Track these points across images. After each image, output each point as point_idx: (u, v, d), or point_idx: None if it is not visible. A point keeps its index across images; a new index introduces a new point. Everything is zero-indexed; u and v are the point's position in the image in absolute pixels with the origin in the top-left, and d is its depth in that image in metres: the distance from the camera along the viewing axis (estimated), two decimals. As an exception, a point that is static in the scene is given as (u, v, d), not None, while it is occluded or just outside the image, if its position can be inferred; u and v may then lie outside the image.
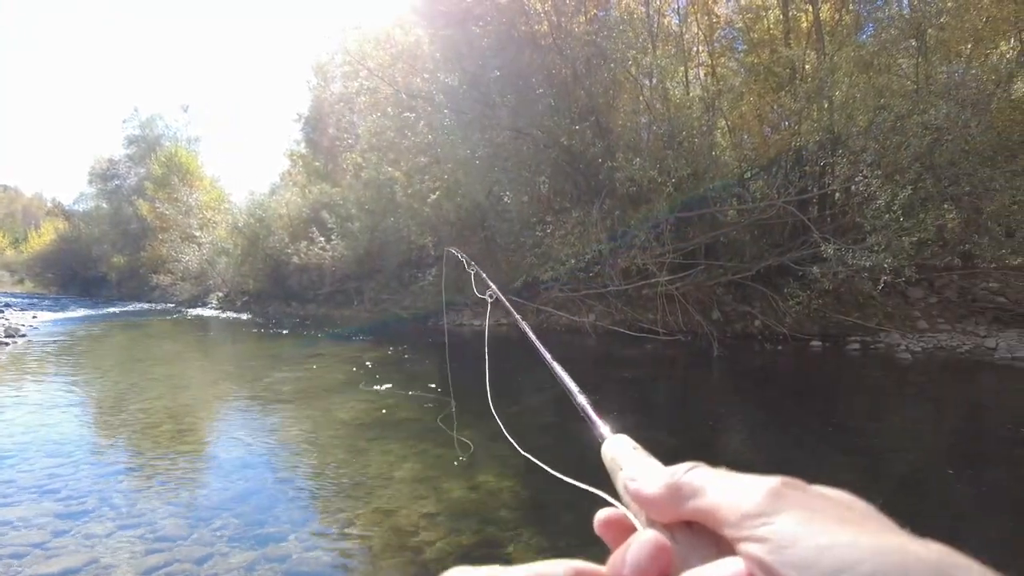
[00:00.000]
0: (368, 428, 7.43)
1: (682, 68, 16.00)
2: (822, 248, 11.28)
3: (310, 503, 5.08)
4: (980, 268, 13.16)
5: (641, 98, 15.45)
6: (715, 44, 17.45)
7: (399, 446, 6.63)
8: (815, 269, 11.53)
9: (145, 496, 5.09)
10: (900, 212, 9.84)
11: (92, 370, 12.39)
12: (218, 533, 4.38)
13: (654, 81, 14.78)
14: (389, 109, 18.92)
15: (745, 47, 17.23)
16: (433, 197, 18.18)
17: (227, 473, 5.75)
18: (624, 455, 0.54)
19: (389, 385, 9.86)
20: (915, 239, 9.97)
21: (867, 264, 10.31)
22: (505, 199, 16.85)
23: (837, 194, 13.43)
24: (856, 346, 12.73)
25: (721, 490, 0.37)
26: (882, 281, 10.28)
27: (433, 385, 9.85)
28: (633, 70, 14.86)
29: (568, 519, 4.85)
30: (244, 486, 5.39)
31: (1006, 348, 11.69)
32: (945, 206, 11.02)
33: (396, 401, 8.90)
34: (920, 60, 12.62)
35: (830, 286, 11.79)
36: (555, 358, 0.98)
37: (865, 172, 10.30)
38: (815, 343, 13.12)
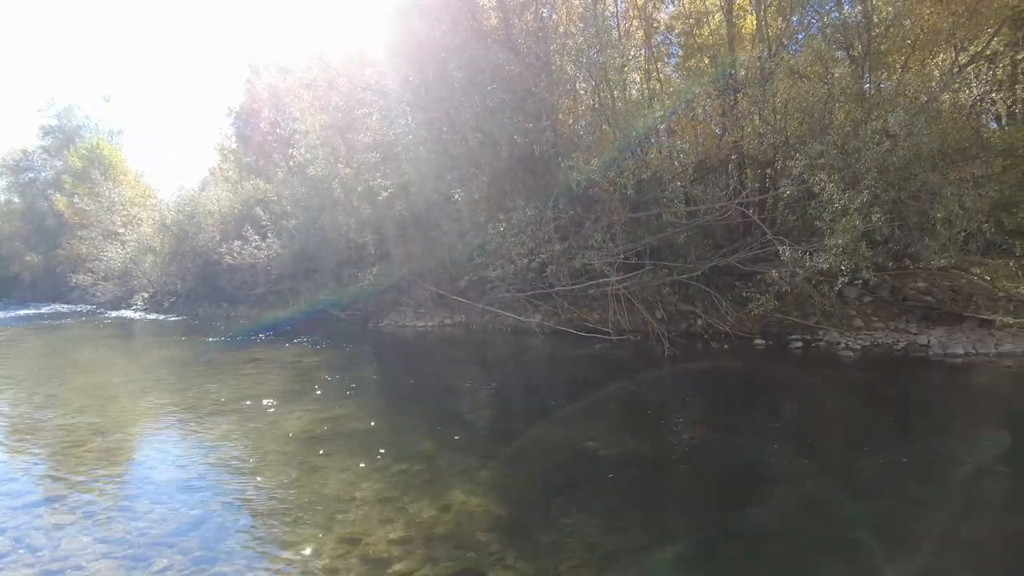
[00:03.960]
0: (319, 442, 6.89)
1: (630, 69, 15.85)
2: (779, 250, 11.28)
3: (265, 533, 4.56)
4: (909, 269, 13.55)
5: (595, 97, 15.27)
6: (652, 49, 17.41)
7: (355, 462, 6.14)
8: (774, 272, 11.54)
9: (71, 532, 4.47)
10: (856, 216, 9.90)
11: (3, 379, 11.34)
12: (162, 576, 3.83)
13: (602, 81, 14.58)
14: (340, 102, 18.07)
15: (683, 53, 17.33)
16: (384, 195, 17.52)
17: (166, 500, 5.16)
18: None
19: (335, 393, 9.32)
20: (867, 242, 10.10)
21: (824, 266, 10.34)
22: (456, 197, 16.38)
23: (785, 198, 13.54)
24: (799, 344, 12.93)
25: None
26: (839, 283, 10.35)
27: (382, 392, 9.39)
28: (573, 69, 14.70)
29: (547, 539, 4.52)
30: (188, 515, 4.83)
31: (938, 344, 12.03)
32: (890, 211, 11.22)
33: (345, 411, 8.37)
34: (855, 68, 12.88)
35: (788, 288, 11.83)
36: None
37: (822, 176, 10.30)
38: (758, 341, 13.26)
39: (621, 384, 10.44)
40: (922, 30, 12.37)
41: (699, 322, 14.33)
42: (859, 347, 12.49)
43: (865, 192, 9.87)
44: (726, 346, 13.17)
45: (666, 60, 17.91)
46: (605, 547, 4.39)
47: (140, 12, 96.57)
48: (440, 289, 18.11)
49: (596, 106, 15.21)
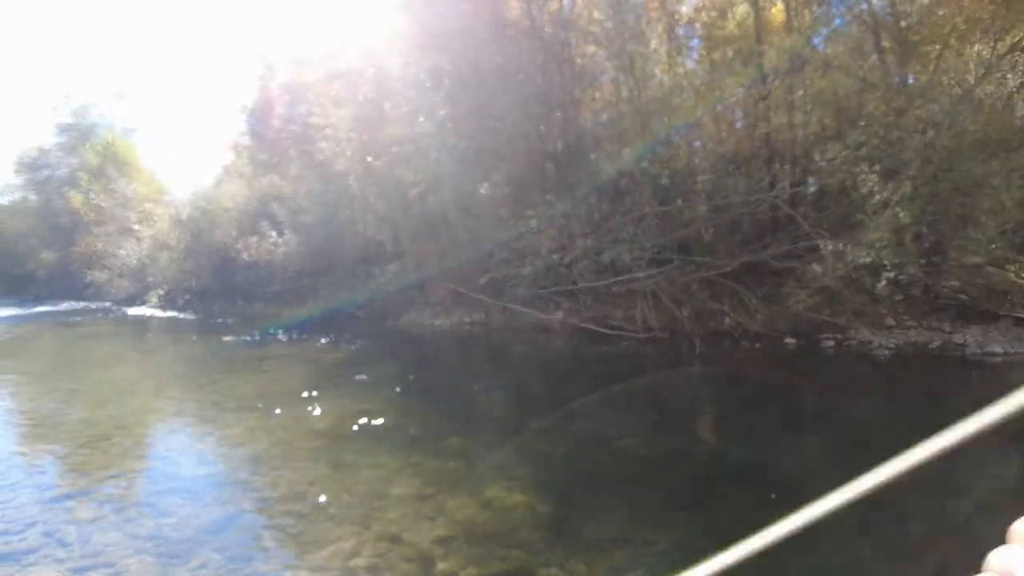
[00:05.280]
0: (348, 439, 6.69)
1: (657, 60, 15.61)
2: (819, 244, 10.98)
3: (301, 530, 4.35)
4: (942, 266, 13.23)
5: (623, 88, 15.00)
6: (674, 41, 17.15)
7: (388, 458, 5.93)
8: (816, 267, 11.23)
9: (101, 528, 4.28)
10: (898, 208, 9.59)
11: (24, 374, 11.24)
12: (198, 575, 3.63)
13: (629, 71, 14.31)
14: (371, 94, 17.72)
15: (706, 45, 17.06)
16: (415, 191, 17.22)
17: (196, 495, 4.96)
18: None
19: (358, 389, 9.13)
20: (912, 235, 9.81)
21: (867, 260, 10.02)
22: (482, 191, 16.13)
23: (819, 191, 13.24)
24: (831, 343, 12.64)
25: None
26: (883, 279, 10.02)
27: (406, 389, 9.17)
28: (601, 58, 14.44)
29: (591, 535, 4.30)
30: (219, 511, 4.64)
31: (975, 344, 11.72)
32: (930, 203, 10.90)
33: (371, 407, 8.16)
34: (885, 60, 12.58)
35: (831, 283, 11.52)
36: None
37: (862, 168, 9.99)
38: (789, 340, 12.98)
39: (652, 383, 10.21)
40: (959, 20, 12.06)
41: (726, 320, 14.05)
42: (892, 346, 12.17)
43: (908, 183, 9.55)
44: (757, 345, 12.90)
45: (687, 53, 17.66)
46: (656, 545, 4.17)
47: (153, 10, 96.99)
48: (459, 287, 17.89)
49: (625, 96, 14.93)
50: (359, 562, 3.86)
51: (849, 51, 12.68)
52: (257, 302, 24.57)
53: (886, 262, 9.82)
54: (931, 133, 9.87)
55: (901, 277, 9.99)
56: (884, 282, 9.97)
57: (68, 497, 4.88)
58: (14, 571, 3.65)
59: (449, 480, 5.36)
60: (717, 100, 14.56)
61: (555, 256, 14.35)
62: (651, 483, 5.46)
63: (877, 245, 9.78)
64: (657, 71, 16.30)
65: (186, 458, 6.08)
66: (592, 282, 14.97)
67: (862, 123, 10.85)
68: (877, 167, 10.14)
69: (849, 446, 6.55)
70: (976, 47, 12.52)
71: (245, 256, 23.98)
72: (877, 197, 9.78)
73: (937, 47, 12.70)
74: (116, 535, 4.16)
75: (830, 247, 10.70)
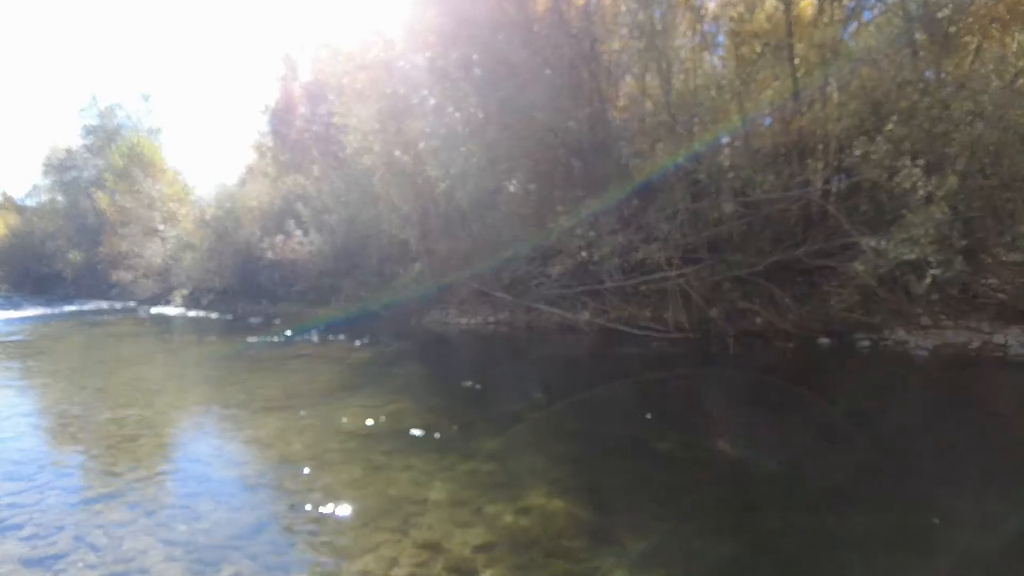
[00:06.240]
0: (379, 439, 6.54)
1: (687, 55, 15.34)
2: (861, 241, 10.66)
3: (337, 536, 4.19)
4: (981, 264, 12.85)
5: (654, 81, 14.76)
6: (698, 37, 16.86)
7: (420, 461, 5.77)
8: (859, 265, 10.90)
9: (132, 532, 4.15)
10: (945, 202, 9.27)
11: (51, 374, 11.24)
12: (233, 583, 3.48)
13: (664, 66, 14.06)
14: (401, 89, 17.52)
15: (733, 41, 16.77)
16: (443, 186, 17.04)
17: (227, 499, 4.83)
18: None
19: (386, 389, 8.98)
20: (959, 231, 9.47)
21: (911, 257, 9.68)
22: (511, 188, 15.93)
23: (857, 186, 12.89)
24: (866, 343, 12.36)
25: None
26: (929, 276, 9.67)
27: (434, 389, 9.02)
28: (631, 50, 14.22)
29: (636, 544, 4.10)
30: (251, 515, 4.49)
31: (1018, 344, 11.37)
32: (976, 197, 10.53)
33: (399, 407, 8.03)
34: (922, 51, 12.23)
35: (873, 281, 11.20)
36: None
37: (905, 161, 9.65)
38: (822, 340, 12.70)
39: (689, 384, 10.00)
40: (1001, 8, 11.68)
41: (757, 320, 13.76)
42: (930, 347, 11.86)
43: (954, 177, 9.22)
44: (790, 344, 12.63)
45: (712, 50, 17.39)
46: (704, 556, 3.96)
47: (177, 11, 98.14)
48: (483, 286, 17.72)
49: (655, 92, 14.68)
50: (400, 572, 3.69)
51: (883, 43, 12.36)
52: (281, 302, 24.62)
53: (931, 259, 9.46)
54: (980, 126, 9.51)
55: (948, 274, 9.62)
56: (929, 279, 9.61)
57: (97, 499, 4.77)
58: (44, 577, 3.53)
59: (485, 484, 5.18)
60: (748, 96, 14.27)
61: (584, 254, 14.13)
62: (694, 490, 5.23)
63: (922, 241, 9.43)
64: (687, 67, 16.05)
65: (216, 460, 5.96)
66: (620, 281, 14.74)
67: (895, 117, 10.52)
68: (921, 161, 9.80)
69: (894, 450, 6.27)
70: (1019, 37, 12.13)
71: (270, 255, 24.04)
72: (921, 192, 9.43)
73: (976, 38, 12.34)
74: (147, 540, 4.02)
75: (872, 244, 10.36)
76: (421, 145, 17.25)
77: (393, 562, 3.80)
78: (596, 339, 14.29)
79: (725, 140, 14.01)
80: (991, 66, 11.03)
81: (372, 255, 21.10)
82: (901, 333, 12.41)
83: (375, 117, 18.07)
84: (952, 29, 12.16)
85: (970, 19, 12.09)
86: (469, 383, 9.49)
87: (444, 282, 18.48)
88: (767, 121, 14.73)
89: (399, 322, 18.66)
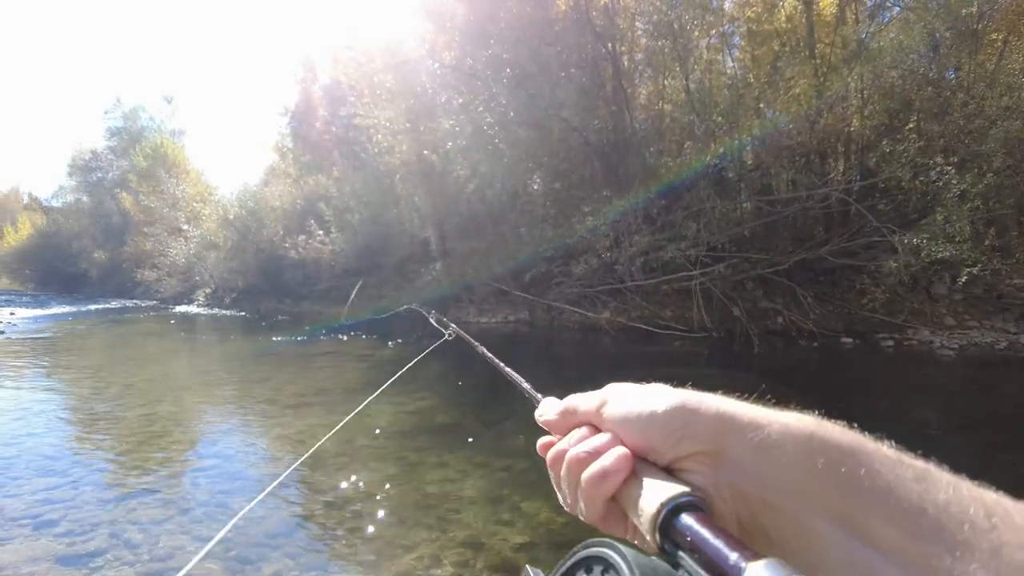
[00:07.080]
0: (410, 436, 6.48)
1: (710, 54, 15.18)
2: (894, 239, 10.45)
3: (375, 535, 4.12)
4: (1007, 264, 12.63)
5: (675, 81, 14.60)
6: (715, 39, 16.67)
7: (452, 458, 5.69)
8: (892, 263, 10.69)
9: (167, 529, 4.10)
10: (978, 200, 9.05)
11: (80, 370, 11.31)
12: (275, 582, 3.41)
13: (690, 65, 13.90)
14: (428, 88, 17.42)
15: (751, 41, 16.56)
16: (473, 184, 16.93)
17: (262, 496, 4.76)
18: (543, 405, 0.65)
19: (413, 386, 8.85)
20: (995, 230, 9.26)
21: (944, 256, 9.45)
22: (535, 187, 15.80)
23: (885, 184, 12.67)
24: (889, 343, 12.18)
25: (586, 401, 0.57)
26: (965, 274, 9.45)
27: (460, 387, 8.93)
28: (657, 50, 14.07)
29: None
30: (287, 514, 4.43)
31: (1047, 344, 11.19)
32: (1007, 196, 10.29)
33: (428, 404, 7.97)
34: (944, 49, 12.00)
35: (906, 280, 10.99)
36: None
37: (938, 160, 9.45)
38: (845, 340, 12.52)
39: (715, 384, 9.78)
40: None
41: (779, 319, 13.56)
42: (955, 346, 11.68)
43: (990, 175, 8.99)
44: (814, 344, 12.44)
45: (727, 51, 17.21)
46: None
47: (197, 15, 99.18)
48: (503, 285, 17.62)
49: (678, 93, 14.51)
50: (443, 572, 3.60)
51: (905, 41, 12.17)
52: (303, 300, 24.69)
53: (966, 257, 9.23)
54: (1019, 122, 9.27)
55: (984, 272, 9.39)
56: (965, 277, 9.38)
57: (131, 496, 4.73)
58: (83, 575, 3.47)
59: (520, 481, 5.09)
60: (772, 95, 14.07)
61: (609, 254, 14.00)
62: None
63: (957, 239, 9.20)
64: (710, 67, 15.87)
65: (247, 456, 5.92)
66: (641, 280, 14.59)
67: (918, 115, 10.34)
68: (954, 158, 9.58)
69: (927, 453, 6.08)
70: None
71: (293, 254, 24.15)
72: (955, 190, 9.20)
73: (1003, 34, 12.10)
74: (183, 538, 3.98)
75: (905, 241, 10.14)
76: (449, 144, 17.14)
77: (435, 561, 3.72)
78: (618, 338, 14.14)
79: (748, 139, 13.82)
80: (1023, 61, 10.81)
81: (393, 254, 21.08)
82: (926, 333, 12.20)
83: (404, 116, 18.04)
84: (978, 26, 11.93)
85: (997, 15, 11.87)
86: (492, 379, 9.37)
87: (464, 281, 18.41)
88: (790, 121, 14.56)
89: (420, 320, 18.55)
